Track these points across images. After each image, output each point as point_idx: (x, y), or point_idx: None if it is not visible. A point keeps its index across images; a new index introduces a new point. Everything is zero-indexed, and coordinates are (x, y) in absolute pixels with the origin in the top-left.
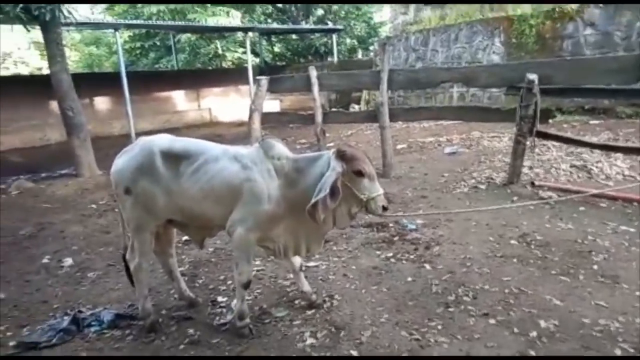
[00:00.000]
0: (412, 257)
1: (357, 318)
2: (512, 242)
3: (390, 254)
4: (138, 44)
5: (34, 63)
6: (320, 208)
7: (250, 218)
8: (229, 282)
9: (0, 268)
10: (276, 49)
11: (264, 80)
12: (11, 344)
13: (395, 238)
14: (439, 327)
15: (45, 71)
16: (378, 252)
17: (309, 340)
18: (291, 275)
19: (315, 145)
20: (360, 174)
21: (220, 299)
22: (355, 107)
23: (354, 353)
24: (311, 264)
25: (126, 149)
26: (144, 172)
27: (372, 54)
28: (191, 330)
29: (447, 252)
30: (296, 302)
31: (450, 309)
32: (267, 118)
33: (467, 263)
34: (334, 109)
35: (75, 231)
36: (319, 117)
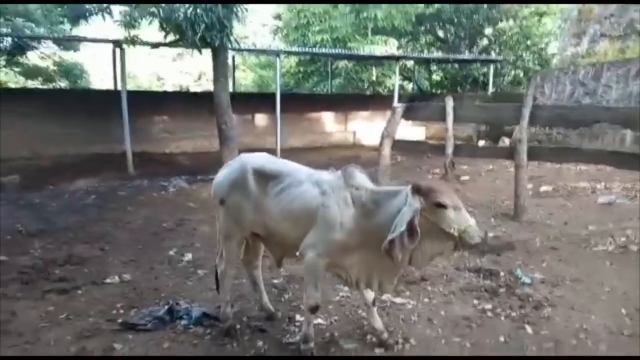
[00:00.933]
0: (514, 314)
1: None
2: None
3: (489, 307)
4: (302, 69)
5: None
6: (397, 246)
7: (321, 244)
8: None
9: (138, 253)
10: (435, 77)
11: (400, 107)
12: (119, 321)
13: (502, 290)
14: None
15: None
16: (476, 302)
17: None
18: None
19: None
20: (440, 205)
21: (298, 317)
22: (505, 142)
23: None
24: (398, 300)
25: (228, 163)
26: (237, 186)
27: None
28: (260, 343)
29: (560, 317)
30: (369, 337)
31: None
32: (398, 145)
33: (581, 335)
34: (480, 142)
35: (203, 230)
36: (449, 149)
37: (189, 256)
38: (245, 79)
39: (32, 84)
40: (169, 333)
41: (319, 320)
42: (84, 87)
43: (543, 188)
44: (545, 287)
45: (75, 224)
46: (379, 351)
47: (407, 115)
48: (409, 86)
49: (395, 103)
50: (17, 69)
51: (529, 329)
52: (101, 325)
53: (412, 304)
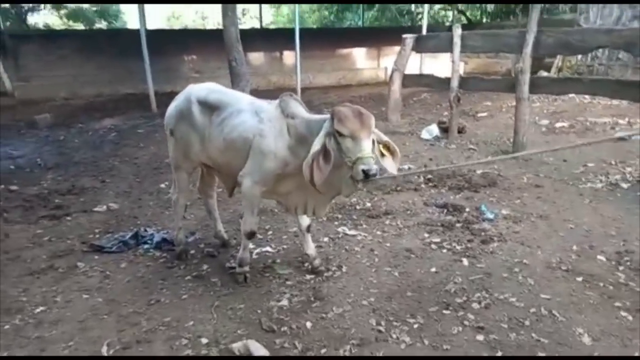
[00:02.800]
0: (458, 248)
1: (342, 294)
2: (599, 257)
3: (437, 240)
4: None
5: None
6: (313, 168)
7: (257, 172)
8: (270, 232)
9: (133, 185)
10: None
11: (410, 39)
12: (90, 243)
13: (459, 225)
14: (415, 325)
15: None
16: (426, 235)
17: (282, 302)
18: (325, 239)
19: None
20: (339, 132)
21: (251, 245)
22: (543, 74)
23: (308, 325)
24: (351, 232)
25: (177, 95)
26: (183, 117)
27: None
28: (205, 266)
29: (505, 252)
30: (306, 264)
31: (445, 312)
32: (408, 79)
33: (515, 269)
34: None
35: None
36: (454, 82)
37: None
38: (278, 14)
39: (74, 25)
40: (130, 255)
41: (267, 248)
42: (119, 28)
43: (559, 124)
44: (506, 223)
45: (88, 159)
46: (309, 277)
47: (417, 46)
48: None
49: (406, 35)
50: (62, 12)
51: (465, 262)
52: (75, 247)
53: (363, 235)
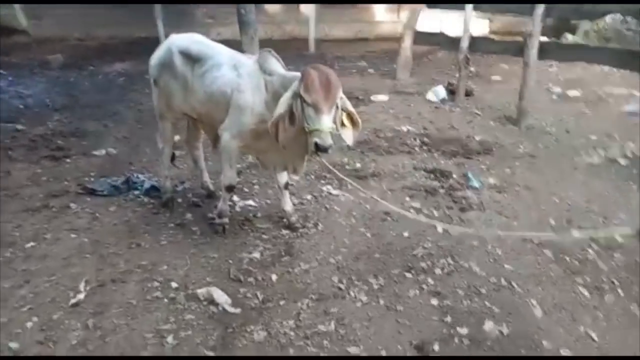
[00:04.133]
0: (436, 214)
1: (312, 251)
2: (574, 232)
3: (417, 205)
4: None
5: None
6: (279, 126)
7: (234, 127)
8: (257, 187)
9: (134, 131)
10: None
11: None
12: (85, 186)
13: (442, 190)
14: (375, 286)
15: None
16: (407, 199)
17: (254, 254)
18: (308, 197)
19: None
20: (303, 100)
21: (236, 198)
22: (568, 38)
23: (274, 277)
24: (334, 192)
25: (160, 45)
26: (166, 67)
27: None
28: (189, 215)
29: (480, 221)
30: (284, 220)
31: (406, 274)
32: (419, 37)
33: (488, 239)
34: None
35: None
36: (464, 42)
37: (176, 138)
38: None
39: None
40: (120, 200)
41: (251, 202)
42: None
43: (572, 93)
44: (490, 192)
45: (95, 102)
46: (285, 232)
47: (431, 3)
48: None
49: None
50: None
51: (439, 228)
52: (70, 189)
53: (346, 196)
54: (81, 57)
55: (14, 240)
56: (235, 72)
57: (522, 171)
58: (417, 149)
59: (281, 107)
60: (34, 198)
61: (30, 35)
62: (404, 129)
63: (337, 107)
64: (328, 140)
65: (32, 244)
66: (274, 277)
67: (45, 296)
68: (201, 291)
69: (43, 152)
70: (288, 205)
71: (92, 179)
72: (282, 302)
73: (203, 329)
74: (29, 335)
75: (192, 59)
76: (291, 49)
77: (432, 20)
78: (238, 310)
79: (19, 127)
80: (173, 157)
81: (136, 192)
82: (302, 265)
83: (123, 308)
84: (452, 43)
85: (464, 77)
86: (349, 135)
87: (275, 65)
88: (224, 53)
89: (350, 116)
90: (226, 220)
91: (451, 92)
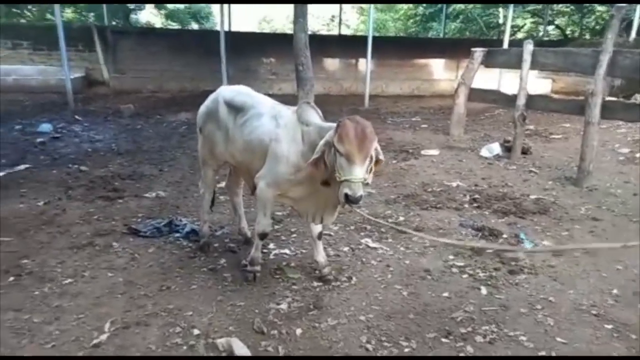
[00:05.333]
0: (481, 275)
1: (342, 306)
2: None
3: (461, 264)
4: (421, 10)
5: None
6: (312, 169)
7: (270, 175)
8: (294, 236)
9: (186, 176)
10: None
11: (479, 52)
12: (130, 226)
13: (489, 250)
14: (406, 349)
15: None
16: (451, 257)
17: (281, 305)
18: (345, 249)
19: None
20: (337, 150)
21: (272, 246)
22: (638, 98)
23: (298, 332)
24: (373, 245)
25: (209, 96)
26: (211, 117)
27: None
28: (223, 260)
29: (531, 286)
30: (317, 271)
31: (443, 340)
32: (474, 94)
33: (538, 306)
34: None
35: None
36: (521, 100)
37: (222, 184)
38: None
39: (170, 25)
40: (160, 242)
41: (286, 251)
42: (206, 29)
43: None
44: (544, 255)
45: (155, 148)
46: (317, 284)
47: (487, 61)
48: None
49: (475, 48)
50: (162, 11)
51: (483, 290)
52: (116, 228)
53: (385, 250)
54: (151, 107)
55: (54, 276)
56: (274, 122)
57: (582, 235)
58: (466, 205)
59: (316, 154)
60: (81, 236)
61: (110, 87)
62: (454, 184)
63: (371, 158)
64: (359, 192)
65: (69, 280)
66: (298, 331)
67: (70, 335)
68: (221, 341)
69: (99, 192)
70: (321, 256)
71: (138, 220)
72: None
73: None
74: None
75: (235, 109)
76: (347, 104)
77: (490, 79)
78: None
79: (83, 168)
80: (212, 203)
81: (177, 235)
82: (329, 320)
83: (142, 353)
84: (508, 100)
85: (520, 135)
86: (370, 177)
87: (313, 116)
88: (266, 104)
89: (377, 161)
90: (257, 268)
91: (507, 149)
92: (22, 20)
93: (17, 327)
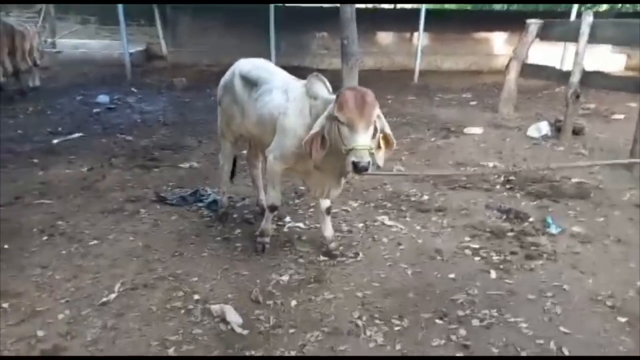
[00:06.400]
0: (495, 258)
1: (342, 281)
2: None
3: (476, 246)
4: None
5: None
6: (312, 149)
7: (278, 149)
8: (312, 210)
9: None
10: None
11: (534, 24)
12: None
13: (511, 234)
14: (396, 328)
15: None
16: (467, 239)
17: (283, 277)
18: (359, 225)
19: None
20: (338, 120)
21: (287, 218)
22: None
23: (293, 303)
24: (389, 222)
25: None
26: (228, 90)
27: None
28: (238, 231)
29: (547, 273)
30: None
31: (437, 321)
32: (526, 70)
33: (548, 293)
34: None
35: None
36: (575, 76)
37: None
38: None
39: None
40: (184, 210)
41: (300, 224)
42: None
43: None
44: (570, 241)
45: (199, 121)
46: (322, 258)
47: (543, 34)
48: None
49: (530, 20)
50: None
51: (493, 274)
52: (146, 195)
53: (400, 228)
54: (202, 81)
55: (82, 237)
56: (284, 96)
57: (619, 222)
58: (497, 186)
59: (315, 127)
60: (114, 201)
61: (167, 60)
62: (490, 164)
63: (375, 128)
64: (365, 158)
65: (95, 242)
66: (293, 303)
67: (83, 292)
68: (215, 307)
69: (138, 161)
70: (328, 231)
71: (168, 189)
72: (291, 331)
73: (206, 346)
74: (56, 326)
75: (251, 83)
76: (396, 80)
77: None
78: (246, 332)
79: (128, 138)
80: (233, 174)
81: (200, 204)
82: (326, 294)
83: (142, 313)
84: (563, 77)
85: (573, 114)
86: (380, 157)
87: (321, 89)
88: (279, 77)
89: (386, 138)
90: (267, 239)
91: (557, 129)
92: None
93: (40, 282)
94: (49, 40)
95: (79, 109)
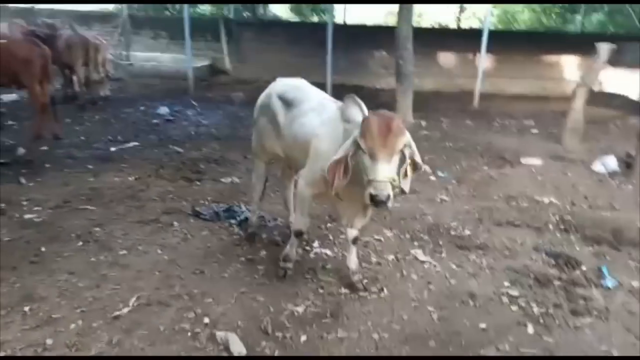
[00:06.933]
0: (534, 310)
1: (360, 319)
2: None
3: (515, 294)
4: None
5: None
6: (332, 171)
7: (310, 174)
8: (342, 236)
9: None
10: None
11: (605, 47)
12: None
13: (558, 282)
14: None
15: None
16: (506, 284)
17: (298, 308)
18: (390, 257)
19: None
20: (361, 147)
21: (315, 244)
22: None
23: (302, 339)
24: (422, 257)
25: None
26: (264, 110)
27: None
28: (263, 252)
29: (594, 333)
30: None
31: None
32: (595, 98)
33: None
34: None
35: None
36: None
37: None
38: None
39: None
40: (215, 226)
41: (327, 251)
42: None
43: None
44: (626, 298)
45: (248, 135)
46: (344, 291)
47: (615, 59)
48: None
49: (600, 43)
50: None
51: (530, 329)
52: (183, 209)
53: (433, 265)
54: (258, 96)
55: (114, 246)
56: (319, 118)
57: None
58: (550, 226)
59: (339, 152)
60: (152, 212)
61: (230, 75)
62: (546, 200)
63: (403, 155)
64: (385, 192)
65: (124, 252)
66: (303, 338)
67: (100, 303)
68: (220, 334)
69: (184, 173)
70: (353, 262)
71: (206, 203)
72: None
73: None
74: (65, 336)
75: (287, 103)
76: (455, 102)
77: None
78: None
79: (179, 150)
80: (263, 195)
81: (232, 221)
82: (339, 332)
83: (150, 332)
84: (634, 108)
85: None
86: (406, 182)
87: (356, 112)
88: (315, 98)
89: (414, 164)
90: (289, 265)
91: (627, 165)
92: (167, 13)
93: (63, 288)
94: (124, 53)
95: (140, 119)
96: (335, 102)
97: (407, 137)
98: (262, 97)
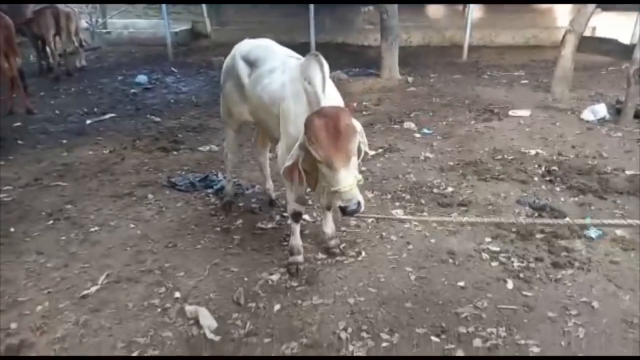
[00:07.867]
0: (515, 265)
1: (336, 284)
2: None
3: (496, 249)
4: None
5: None
6: (289, 179)
7: (284, 139)
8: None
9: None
10: None
11: None
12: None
13: (540, 235)
14: (384, 344)
15: None
16: (488, 240)
17: (273, 276)
18: (369, 220)
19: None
20: (311, 155)
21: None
22: None
23: (276, 308)
24: (404, 216)
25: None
26: (229, 73)
27: None
28: (239, 221)
29: (575, 285)
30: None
31: (433, 338)
32: (585, 44)
33: (573, 311)
34: None
35: None
36: (637, 52)
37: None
38: None
39: None
40: (191, 196)
41: (305, 216)
42: None
43: None
44: (610, 248)
45: None
46: (321, 256)
47: (604, 3)
48: None
49: None
50: None
51: (509, 284)
52: (159, 180)
53: (414, 224)
54: None
55: (85, 223)
56: (282, 77)
57: None
58: (536, 178)
59: (289, 158)
60: (126, 185)
61: (211, 39)
62: (532, 152)
63: (359, 152)
64: (354, 200)
65: (95, 228)
66: (276, 307)
67: (67, 283)
68: (189, 309)
69: (161, 143)
70: (329, 227)
71: (183, 173)
72: (266, 340)
73: (172, 351)
74: (30, 319)
75: (251, 64)
76: (444, 56)
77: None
78: (217, 339)
79: (157, 119)
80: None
81: (209, 190)
82: (314, 299)
83: (118, 310)
84: (627, 52)
85: (635, 95)
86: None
87: (316, 72)
88: (279, 56)
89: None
90: (299, 258)
91: (618, 112)
92: None
93: (31, 269)
94: (100, 20)
95: (117, 89)
96: (300, 59)
97: (359, 131)
98: (227, 60)
